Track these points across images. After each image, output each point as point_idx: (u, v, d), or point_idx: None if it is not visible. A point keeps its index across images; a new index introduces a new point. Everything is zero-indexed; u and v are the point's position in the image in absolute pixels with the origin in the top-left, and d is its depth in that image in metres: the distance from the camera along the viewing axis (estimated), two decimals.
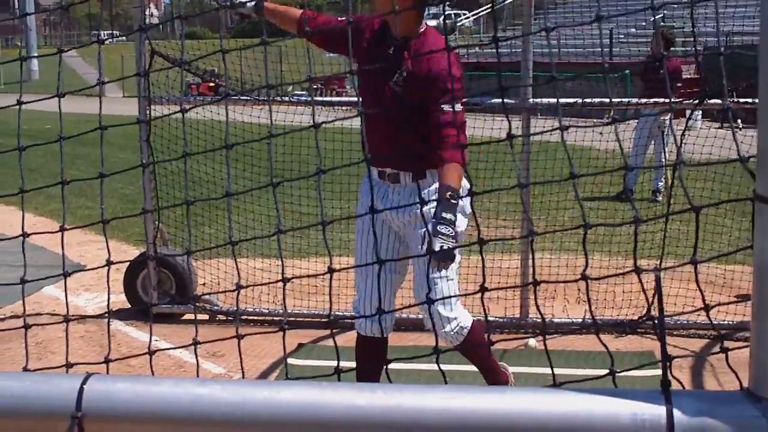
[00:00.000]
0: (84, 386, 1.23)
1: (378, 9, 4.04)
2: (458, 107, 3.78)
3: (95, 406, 1.22)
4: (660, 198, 10.50)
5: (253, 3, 4.16)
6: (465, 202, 3.90)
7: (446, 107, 3.79)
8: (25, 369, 1.50)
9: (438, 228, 3.51)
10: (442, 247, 3.47)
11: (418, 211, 3.86)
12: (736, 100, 5.75)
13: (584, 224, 1.33)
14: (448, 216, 3.55)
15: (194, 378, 1.27)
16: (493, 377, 4.28)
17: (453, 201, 3.58)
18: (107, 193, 10.93)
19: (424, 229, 3.84)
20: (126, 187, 11.13)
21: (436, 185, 3.84)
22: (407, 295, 5.65)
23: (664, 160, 10.55)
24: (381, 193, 4.07)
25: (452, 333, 4.03)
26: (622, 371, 1.34)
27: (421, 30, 3.99)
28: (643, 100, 7.11)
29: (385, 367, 1.46)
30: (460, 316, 4.06)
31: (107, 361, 1.52)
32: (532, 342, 5.51)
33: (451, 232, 3.53)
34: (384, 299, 4.12)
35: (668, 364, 1.18)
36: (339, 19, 4.36)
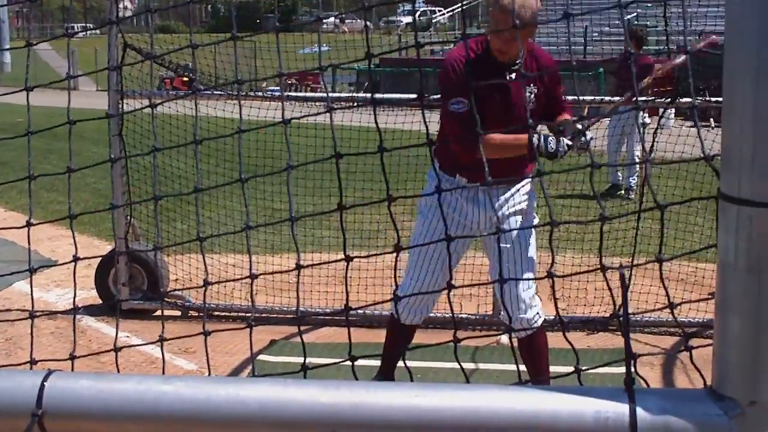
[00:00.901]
0: (45, 383, 1.21)
1: (498, 45, 3.89)
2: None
3: (56, 403, 1.21)
4: (632, 196, 10.59)
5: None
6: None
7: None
8: None
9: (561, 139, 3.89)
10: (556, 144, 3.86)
11: (525, 205, 4.23)
12: (707, 98, 5.79)
13: (551, 222, 1.33)
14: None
15: (158, 375, 1.26)
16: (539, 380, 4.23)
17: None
18: (80, 188, 10.82)
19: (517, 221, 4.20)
20: (99, 182, 11.02)
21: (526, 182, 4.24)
22: (379, 291, 5.66)
23: (636, 157, 10.65)
24: (463, 194, 4.18)
25: (532, 319, 4.18)
26: (588, 369, 1.34)
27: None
28: (616, 98, 7.14)
29: (352, 364, 1.45)
30: (539, 305, 4.26)
31: (72, 357, 1.50)
32: (504, 339, 5.53)
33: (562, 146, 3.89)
34: (436, 293, 4.31)
35: (632, 362, 1.18)
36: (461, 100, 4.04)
